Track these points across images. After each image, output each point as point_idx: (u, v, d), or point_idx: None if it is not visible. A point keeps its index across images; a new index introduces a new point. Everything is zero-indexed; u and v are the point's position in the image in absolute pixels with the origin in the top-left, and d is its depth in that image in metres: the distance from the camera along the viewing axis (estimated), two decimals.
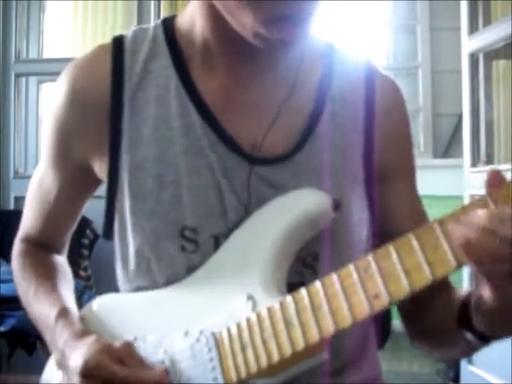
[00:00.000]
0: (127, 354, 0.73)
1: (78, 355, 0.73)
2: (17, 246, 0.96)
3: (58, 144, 0.86)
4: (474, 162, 2.86)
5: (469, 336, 0.70)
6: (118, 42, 0.83)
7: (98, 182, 0.87)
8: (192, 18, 0.81)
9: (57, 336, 0.80)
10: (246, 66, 0.79)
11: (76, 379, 0.73)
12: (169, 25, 0.84)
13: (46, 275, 0.91)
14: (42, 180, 0.91)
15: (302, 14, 0.67)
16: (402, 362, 3.25)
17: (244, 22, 0.68)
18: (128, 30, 0.85)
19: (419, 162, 0.92)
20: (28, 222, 0.95)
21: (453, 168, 3.29)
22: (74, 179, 0.88)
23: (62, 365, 0.77)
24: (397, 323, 0.98)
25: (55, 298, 0.85)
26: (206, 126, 0.78)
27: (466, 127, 2.91)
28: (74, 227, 0.97)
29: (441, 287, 0.81)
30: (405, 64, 3.95)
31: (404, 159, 0.88)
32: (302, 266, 0.78)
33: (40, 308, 0.85)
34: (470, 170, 2.84)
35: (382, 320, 0.90)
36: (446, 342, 0.80)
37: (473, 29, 2.87)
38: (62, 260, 0.98)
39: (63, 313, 0.82)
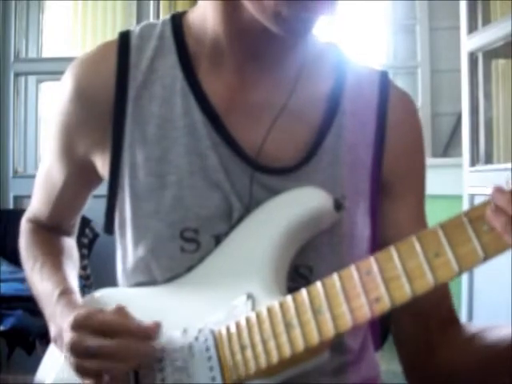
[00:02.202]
0: (118, 310, 0.72)
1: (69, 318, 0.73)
2: (24, 225, 0.98)
3: (62, 139, 0.86)
4: (474, 161, 2.86)
5: None
6: (125, 38, 0.83)
7: (102, 176, 0.87)
8: (204, 15, 0.80)
9: (57, 314, 0.80)
10: (254, 67, 0.78)
11: (68, 337, 0.71)
12: (177, 22, 0.83)
13: (52, 253, 0.92)
14: (48, 170, 0.92)
15: None
16: None
17: (265, 4, 0.68)
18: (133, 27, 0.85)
19: None
20: (36, 206, 0.97)
21: (452, 167, 3.29)
22: (78, 173, 0.88)
23: (59, 341, 0.78)
24: None
25: (59, 277, 0.87)
26: (210, 126, 0.78)
27: (466, 126, 2.90)
28: (82, 210, 0.98)
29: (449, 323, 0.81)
30: (404, 63, 3.95)
31: (414, 172, 0.86)
32: (297, 275, 0.77)
33: (44, 285, 0.87)
34: (470, 170, 2.84)
35: (381, 319, 0.89)
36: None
37: (472, 28, 2.86)
38: (68, 240, 0.99)
39: (65, 293, 0.83)
